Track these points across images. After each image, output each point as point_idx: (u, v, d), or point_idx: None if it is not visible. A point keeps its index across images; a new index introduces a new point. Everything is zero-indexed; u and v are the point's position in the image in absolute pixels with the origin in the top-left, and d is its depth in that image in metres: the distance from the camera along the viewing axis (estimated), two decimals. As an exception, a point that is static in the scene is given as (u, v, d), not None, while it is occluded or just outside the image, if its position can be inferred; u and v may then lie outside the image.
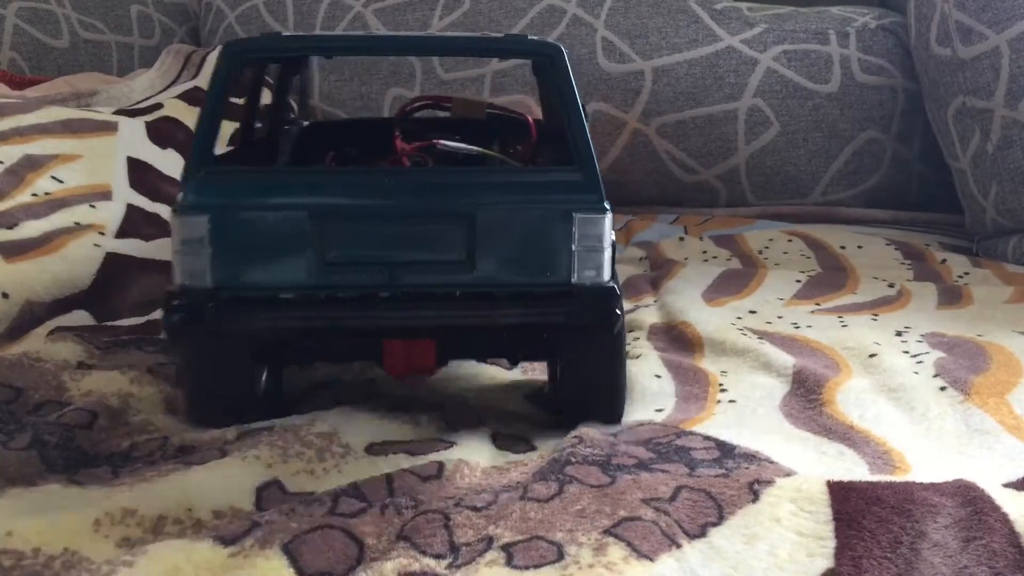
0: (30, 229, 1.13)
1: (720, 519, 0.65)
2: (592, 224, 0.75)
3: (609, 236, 0.76)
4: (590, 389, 0.82)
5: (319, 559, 0.61)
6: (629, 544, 0.61)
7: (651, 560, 0.60)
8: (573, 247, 0.75)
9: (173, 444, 0.78)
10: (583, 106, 0.90)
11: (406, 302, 0.75)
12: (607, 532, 0.62)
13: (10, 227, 1.11)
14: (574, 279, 0.75)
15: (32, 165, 1.23)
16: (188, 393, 0.83)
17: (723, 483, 0.69)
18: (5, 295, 1.02)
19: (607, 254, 0.76)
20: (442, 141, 0.94)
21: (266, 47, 0.86)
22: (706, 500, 0.67)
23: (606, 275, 0.76)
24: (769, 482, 0.69)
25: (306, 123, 1.14)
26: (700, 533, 0.64)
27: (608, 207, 0.76)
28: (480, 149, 0.95)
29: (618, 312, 0.76)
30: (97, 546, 0.63)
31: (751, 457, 0.76)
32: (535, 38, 0.82)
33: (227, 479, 0.71)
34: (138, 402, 0.85)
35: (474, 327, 0.79)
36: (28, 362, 0.89)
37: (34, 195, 1.19)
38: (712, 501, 0.67)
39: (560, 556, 0.61)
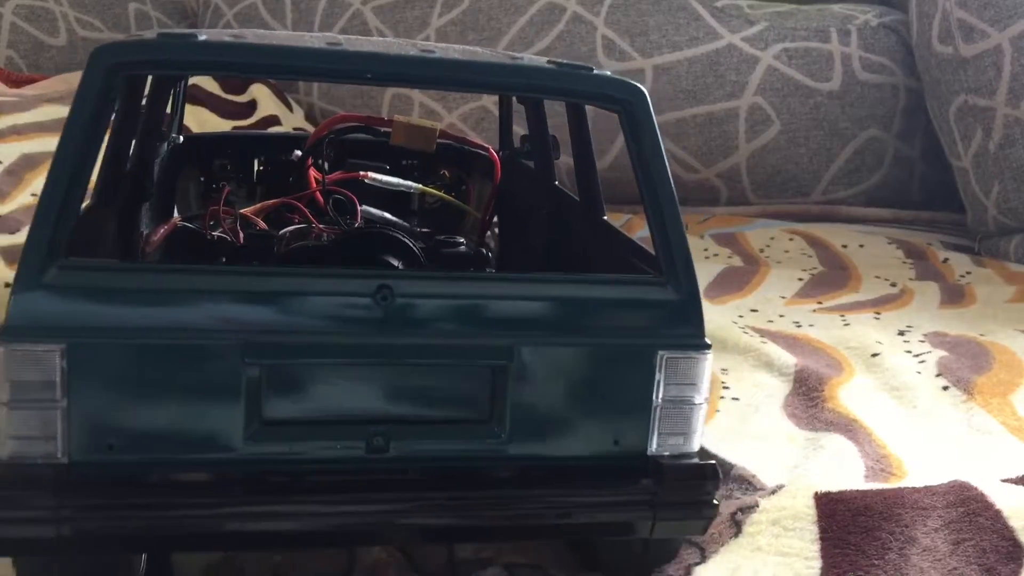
0: None
1: (703, 558, 0.65)
2: (686, 368, 0.52)
3: (707, 386, 0.53)
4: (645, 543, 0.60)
5: (308, 569, 0.59)
6: None
7: None
8: (655, 402, 0.52)
9: None
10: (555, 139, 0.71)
11: (393, 488, 0.50)
12: None
13: (12, 232, 1.11)
14: (652, 449, 0.53)
15: (30, 164, 1.23)
16: None
17: None
18: (8, 285, 1.02)
19: (701, 412, 0.54)
20: (371, 174, 0.75)
21: (164, 58, 0.51)
22: (688, 547, 0.66)
23: (696, 442, 0.54)
24: (752, 507, 0.68)
25: (180, 139, 0.88)
26: (685, 574, 0.63)
27: (709, 343, 0.53)
28: (420, 186, 0.77)
29: (716, 503, 0.55)
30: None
31: (744, 482, 0.75)
32: (602, 74, 0.55)
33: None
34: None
35: (503, 531, 0.53)
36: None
37: (33, 195, 1.19)
38: (695, 546, 0.65)
39: None
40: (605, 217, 0.69)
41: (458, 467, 0.51)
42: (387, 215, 0.75)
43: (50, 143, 1.29)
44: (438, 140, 0.73)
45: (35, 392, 0.45)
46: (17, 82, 1.72)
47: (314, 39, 0.56)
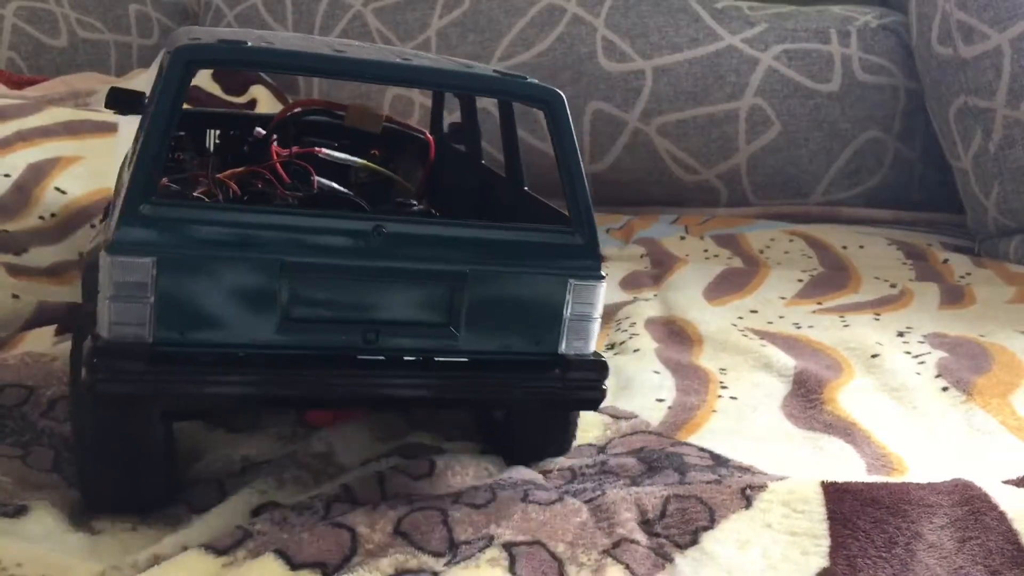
0: (38, 257, 1.11)
1: (712, 522, 0.65)
2: (588, 292, 0.70)
3: (601, 306, 0.71)
4: (545, 433, 0.80)
5: (311, 550, 0.61)
6: (628, 567, 0.62)
7: None
8: (565, 315, 0.69)
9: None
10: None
11: (380, 368, 0.68)
12: (606, 552, 0.63)
13: (18, 254, 1.11)
14: (562, 349, 0.70)
15: (37, 176, 1.22)
16: (94, 474, 0.70)
17: (715, 488, 0.69)
18: (15, 296, 1.01)
19: (597, 325, 0.71)
20: (324, 150, 0.90)
21: (225, 58, 0.69)
22: (697, 505, 0.67)
23: (592, 346, 0.71)
24: (761, 487, 0.69)
25: None
26: (692, 541, 0.64)
27: (604, 275, 0.71)
28: (363, 162, 0.91)
29: (605, 388, 0.72)
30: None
31: (744, 469, 0.76)
32: (532, 82, 0.72)
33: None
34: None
35: (456, 400, 0.71)
36: (31, 360, 0.87)
37: (41, 217, 1.17)
38: (703, 505, 0.67)
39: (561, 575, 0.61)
40: (526, 188, 0.85)
41: (426, 355, 0.68)
42: (335, 185, 0.87)
43: (55, 149, 1.28)
44: (383, 123, 0.90)
45: (131, 291, 0.61)
46: (18, 83, 1.72)
47: (322, 45, 0.73)
